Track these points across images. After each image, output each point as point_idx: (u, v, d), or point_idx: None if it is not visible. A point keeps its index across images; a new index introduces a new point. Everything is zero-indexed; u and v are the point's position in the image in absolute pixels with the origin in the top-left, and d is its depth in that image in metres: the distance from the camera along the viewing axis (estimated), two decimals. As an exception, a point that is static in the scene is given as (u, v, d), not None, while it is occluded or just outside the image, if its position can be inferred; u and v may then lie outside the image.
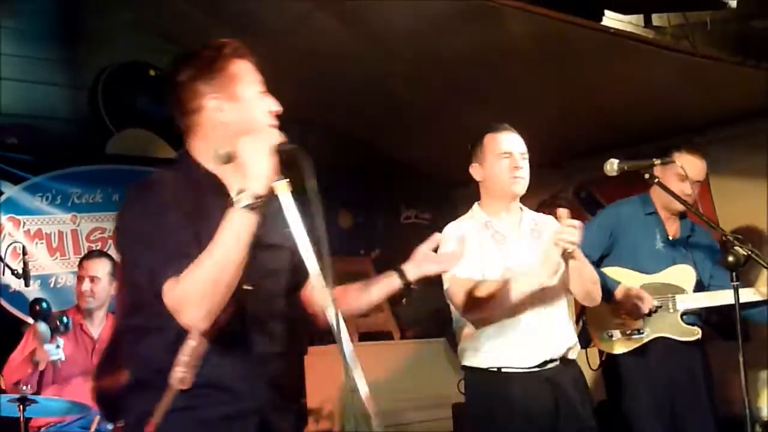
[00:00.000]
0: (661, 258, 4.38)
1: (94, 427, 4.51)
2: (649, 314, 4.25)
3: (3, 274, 5.41)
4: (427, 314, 7.54)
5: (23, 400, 4.31)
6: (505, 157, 3.58)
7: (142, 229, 2.22)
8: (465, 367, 3.63)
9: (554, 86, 5.64)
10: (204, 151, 2.38)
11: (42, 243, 5.97)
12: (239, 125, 2.32)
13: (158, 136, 6.70)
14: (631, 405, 4.24)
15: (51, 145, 6.23)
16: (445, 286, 3.55)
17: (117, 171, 6.38)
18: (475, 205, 3.75)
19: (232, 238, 2.11)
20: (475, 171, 3.69)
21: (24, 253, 5.03)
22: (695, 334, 4.28)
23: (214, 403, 2.26)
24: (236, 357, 2.29)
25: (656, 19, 4.88)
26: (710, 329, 4.62)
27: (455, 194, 7.51)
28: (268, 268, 2.40)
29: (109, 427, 4.53)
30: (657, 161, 3.83)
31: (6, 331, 5.33)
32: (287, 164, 2.18)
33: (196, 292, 2.10)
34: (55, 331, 4.57)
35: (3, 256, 4.97)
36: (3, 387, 4.89)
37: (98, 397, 2.32)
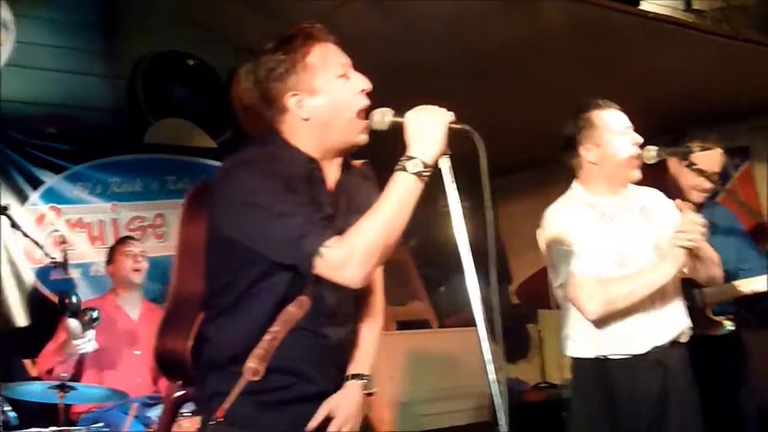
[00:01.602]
0: None
1: (133, 413, 4.55)
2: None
3: (45, 263, 5.48)
4: (466, 302, 7.52)
5: (63, 387, 4.36)
6: (624, 133, 3.39)
7: (267, 197, 2.19)
8: (570, 357, 3.49)
9: (593, 74, 5.58)
10: (298, 138, 2.35)
11: (83, 232, 6.03)
12: (325, 116, 2.33)
13: (196, 125, 6.73)
14: None
15: (90, 135, 6.28)
16: (560, 281, 3.38)
17: (155, 160, 6.44)
18: (575, 184, 3.52)
19: (399, 200, 2.15)
20: (588, 153, 3.42)
21: (64, 241, 5.08)
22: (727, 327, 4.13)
23: (284, 387, 2.30)
24: (308, 341, 2.32)
25: (696, 2, 4.81)
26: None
27: (494, 183, 7.48)
28: None
29: (150, 414, 4.58)
30: (696, 147, 3.75)
31: (48, 319, 5.39)
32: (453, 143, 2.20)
33: (365, 248, 2.13)
34: (86, 325, 4.62)
35: (44, 245, 5.01)
36: (39, 374, 4.96)
37: (158, 357, 2.37)
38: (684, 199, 4.14)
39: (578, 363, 3.46)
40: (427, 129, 2.19)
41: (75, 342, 4.58)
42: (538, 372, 7.82)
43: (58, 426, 4.36)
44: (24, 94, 6.05)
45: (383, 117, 2.30)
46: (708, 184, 4.03)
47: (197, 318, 2.39)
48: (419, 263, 7.49)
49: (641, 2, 4.54)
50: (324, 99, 2.33)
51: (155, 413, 4.58)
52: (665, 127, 5.86)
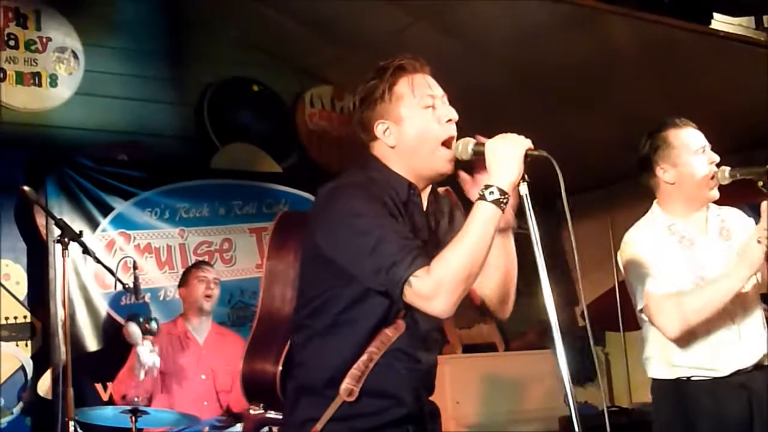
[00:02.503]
0: None
1: (204, 438, 4.58)
2: None
3: (115, 288, 5.56)
4: (532, 325, 7.45)
5: (135, 412, 4.41)
6: (701, 153, 3.33)
7: (368, 222, 2.25)
8: (652, 379, 3.44)
9: (662, 94, 5.50)
10: (390, 165, 2.43)
11: (151, 257, 6.09)
12: (410, 144, 2.40)
13: (262, 150, 6.78)
14: None
15: (158, 161, 6.36)
16: (641, 305, 3.33)
17: (222, 185, 6.49)
18: (655, 206, 3.46)
19: (480, 229, 2.21)
20: (665, 173, 3.36)
21: (135, 267, 5.15)
22: None
23: (376, 412, 2.33)
24: (401, 365, 2.35)
25: (767, 20, 4.72)
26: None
27: (558, 204, 7.41)
28: None
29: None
30: (772, 168, 3.64)
31: (119, 344, 5.47)
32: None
33: (451, 279, 2.16)
34: (146, 333, 4.66)
35: (115, 271, 5.08)
36: (113, 400, 5.02)
37: (245, 380, 2.40)
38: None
39: (659, 385, 3.40)
40: (504, 157, 2.26)
41: (139, 351, 4.63)
42: (606, 395, 7.69)
43: (130, 450, 4.42)
44: (93, 122, 6.15)
45: (466, 147, 2.37)
46: None
47: (286, 343, 2.41)
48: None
49: (712, 21, 4.46)
50: (408, 128, 2.40)
51: (226, 437, 4.60)
52: (736, 146, 5.79)
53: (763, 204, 3.16)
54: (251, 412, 3.07)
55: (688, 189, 3.37)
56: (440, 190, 2.56)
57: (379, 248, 2.20)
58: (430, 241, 2.38)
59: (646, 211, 3.52)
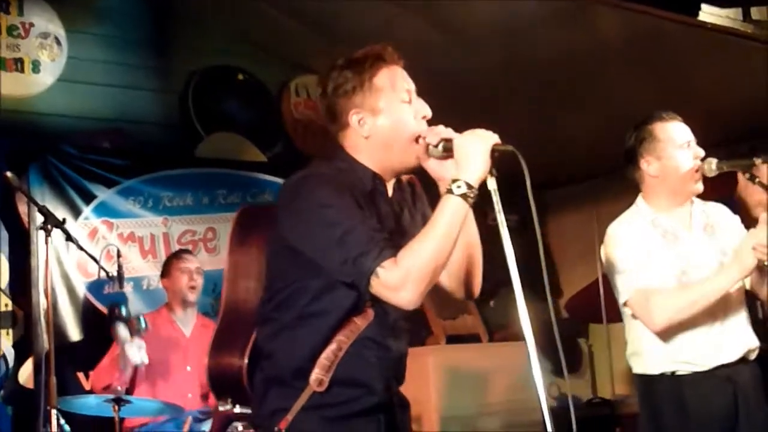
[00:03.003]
0: None
1: (187, 427, 4.56)
2: None
3: (99, 277, 5.52)
4: (516, 317, 7.44)
5: (118, 401, 4.38)
6: (686, 147, 3.33)
7: (335, 213, 2.26)
8: (636, 375, 3.45)
9: (649, 85, 5.50)
10: (359, 155, 2.43)
11: (135, 246, 6.05)
12: (384, 136, 2.40)
13: (247, 140, 6.75)
14: None
15: (142, 150, 6.32)
16: (624, 299, 3.34)
17: (207, 174, 6.45)
18: (640, 199, 3.47)
19: (447, 222, 2.23)
20: (649, 166, 3.37)
21: (119, 255, 5.11)
22: None
23: (347, 401, 2.35)
24: (371, 353, 2.37)
25: (755, 12, 4.72)
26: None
27: (544, 196, 7.41)
28: None
29: (203, 428, 4.58)
30: (758, 160, 3.64)
31: (101, 333, 5.44)
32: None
33: (418, 271, 2.19)
34: (134, 333, 4.64)
35: (99, 259, 5.04)
36: (94, 390, 4.99)
37: (211, 374, 2.39)
38: (749, 216, 4.06)
39: (644, 379, 3.40)
40: (472, 153, 2.28)
41: (127, 349, 4.60)
42: (589, 387, 7.72)
43: (113, 439, 4.39)
44: (76, 109, 6.10)
45: (438, 145, 2.37)
46: None
47: (252, 335, 2.40)
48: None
49: (700, 12, 4.46)
50: (385, 120, 2.40)
51: (207, 427, 4.58)
52: (723, 138, 5.81)
53: (763, 215, 3.16)
54: (220, 408, 3.06)
55: (672, 182, 3.37)
56: (404, 178, 2.56)
57: (347, 239, 2.22)
58: (395, 231, 2.40)
59: (631, 204, 3.52)
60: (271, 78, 6.96)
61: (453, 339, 7.22)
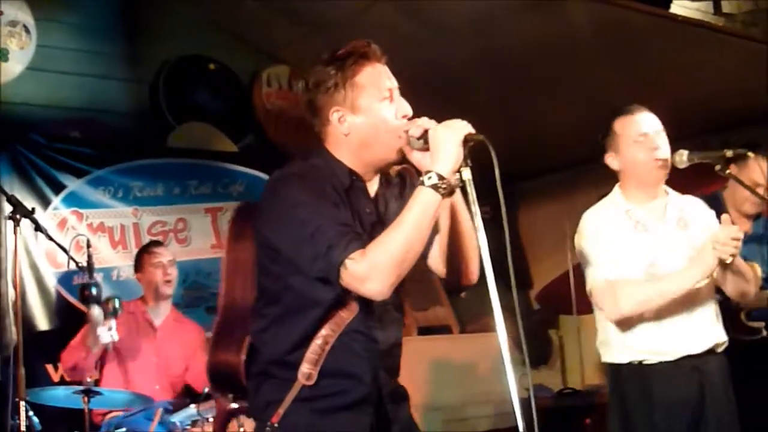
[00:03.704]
0: None
1: (157, 419, 4.53)
2: None
3: (68, 267, 5.47)
4: (487, 308, 7.47)
5: (88, 392, 4.35)
6: (642, 140, 3.37)
7: (307, 211, 2.29)
8: (605, 363, 3.49)
9: (622, 77, 5.52)
10: (338, 151, 2.45)
11: (104, 236, 6.01)
12: (363, 134, 2.42)
13: (218, 130, 6.72)
14: None
15: (113, 139, 6.27)
16: (588, 287, 3.40)
17: (178, 164, 6.42)
18: (616, 189, 3.51)
19: (417, 214, 2.25)
20: (612, 161, 3.46)
21: (89, 245, 5.06)
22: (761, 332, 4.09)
23: (336, 393, 2.37)
24: (358, 345, 2.39)
25: (726, 5, 4.75)
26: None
27: (517, 188, 7.44)
28: None
29: (174, 419, 4.55)
30: (729, 152, 3.67)
31: (70, 323, 5.39)
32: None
33: (386, 262, 2.21)
34: (108, 314, 4.61)
35: (68, 249, 4.99)
36: (62, 371, 4.95)
37: (211, 370, 2.42)
38: (739, 210, 4.11)
39: (613, 368, 3.44)
40: (443, 143, 2.29)
41: (98, 330, 4.57)
42: (560, 377, 7.76)
43: (82, 431, 4.36)
44: (45, 97, 6.06)
45: (416, 139, 2.39)
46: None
47: (248, 332, 2.44)
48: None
49: (671, 5, 4.48)
50: (364, 118, 2.41)
51: (178, 418, 4.55)
52: (694, 131, 5.85)
53: (725, 216, 3.21)
54: (227, 405, 3.07)
55: (633, 176, 3.43)
56: (395, 170, 2.58)
57: (317, 235, 2.25)
58: (378, 224, 2.42)
59: (604, 196, 3.56)
60: (242, 68, 6.93)
61: (424, 330, 7.23)
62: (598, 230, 3.40)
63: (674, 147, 3.56)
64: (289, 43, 6.63)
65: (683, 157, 3.42)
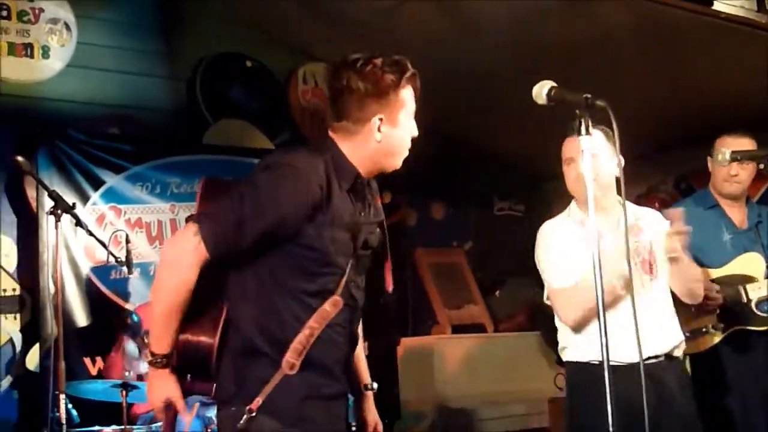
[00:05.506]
0: (728, 250, 4.15)
1: (193, 413, 4.57)
2: (722, 308, 4.02)
3: (107, 262, 5.52)
4: (521, 307, 7.45)
5: (126, 386, 4.39)
6: (569, 164, 3.43)
7: (255, 198, 2.36)
8: (565, 362, 3.57)
9: (660, 75, 5.47)
10: (353, 150, 2.51)
11: (142, 231, 6.06)
12: (390, 146, 2.52)
13: (254, 126, 6.76)
14: (725, 401, 4.06)
15: (150, 136, 6.32)
16: (545, 294, 3.53)
17: (214, 161, 6.44)
18: (573, 203, 3.59)
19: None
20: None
21: (128, 241, 5.10)
22: None
23: (317, 383, 2.43)
24: (341, 339, 2.49)
25: (769, 2, 4.71)
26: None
27: (548, 187, 7.40)
28: (369, 245, 2.59)
29: (210, 413, 4.59)
30: (772, 152, 3.63)
31: (107, 317, 5.45)
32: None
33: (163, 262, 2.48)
34: (143, 348, 4.67)
35: (107, 244, 5.04)
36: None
37: (181, 351, 2.40)
38: (727, 194, 4.11)
39: (571, 368, 3.54)
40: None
41: (132, 363, 4.65)
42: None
43: (120, 425, 4.40)
44: (85, 94, 6.10)
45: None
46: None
47: (222, 312, 2.44)
48: (474, 267, 7.44)
49: (714, 2, 4.45)
50: (398, 132, 2.52)
51: (213, 413, 4.59)
52: (730, 128, 5.78)
53: (669, 212, 3.38)
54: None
55: (575, 194, 3.49)
56: None
57: (224, 216, 2.37)
58: (365, 222, 2.53)
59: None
60: (279, 65, 6.96)
61: (458, 329, 7.24)
62: (552, 240, 3.50)
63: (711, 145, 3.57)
64: (324, 41, 6.65)
65: (726, 156, 3.44)
